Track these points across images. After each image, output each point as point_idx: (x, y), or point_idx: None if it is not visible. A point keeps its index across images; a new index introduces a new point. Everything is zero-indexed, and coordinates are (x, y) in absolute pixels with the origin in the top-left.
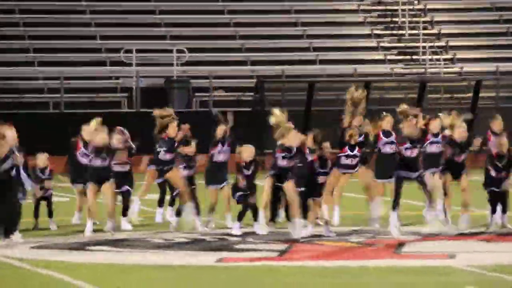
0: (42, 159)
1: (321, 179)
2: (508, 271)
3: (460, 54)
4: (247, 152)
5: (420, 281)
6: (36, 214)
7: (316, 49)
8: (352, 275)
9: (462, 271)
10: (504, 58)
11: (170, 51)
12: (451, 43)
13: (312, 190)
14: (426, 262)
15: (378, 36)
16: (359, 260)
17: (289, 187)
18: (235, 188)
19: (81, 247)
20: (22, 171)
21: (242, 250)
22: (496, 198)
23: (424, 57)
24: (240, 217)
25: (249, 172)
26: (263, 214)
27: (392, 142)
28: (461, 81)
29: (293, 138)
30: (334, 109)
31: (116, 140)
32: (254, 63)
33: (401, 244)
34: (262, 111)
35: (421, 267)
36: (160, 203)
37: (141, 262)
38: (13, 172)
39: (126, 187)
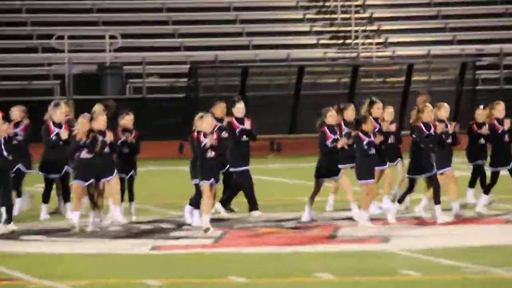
0: None
1: None
2: (440, 254)
3: (392, 38)
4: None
5: (354, 266)
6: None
7: (249, 34)
8: (287, 260)
9: (396, 255)
10: (436, 41)
11: (103, 37)
12: (383, 27)
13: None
14: (360, 246)
15: (311, 20)
16: (294, 246)
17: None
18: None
19: (16, 237)
20: None
21: (177, 237)
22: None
23: (356, 41)
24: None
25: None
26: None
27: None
28: (393, 65)
29: (206, 125)
30: (268, 94)
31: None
32: (187, 48)
33: (336, 229)
34: (196, 96)
35: (356, 252)
36: None
37: (75, 251)
38: None
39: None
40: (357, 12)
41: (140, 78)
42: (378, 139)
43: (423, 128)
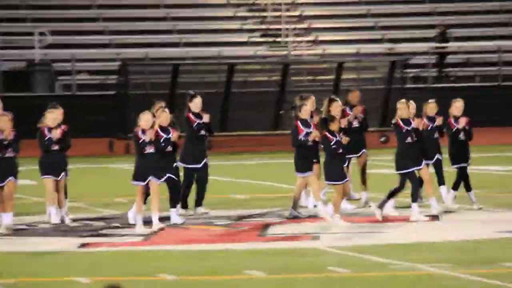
0: None
1: None
2: (369, 251)
3: (323, 36)
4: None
5: (284, 263)
6: None
7: (180, 31)
8: (217, 258)
9: (325, 252)
10: (365, 40)
11: (32, 33)
12: (313, 25)
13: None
14: (290, 244)
15: (241, 18)
16: (225, 243)
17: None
18: None
19: None
20: None
21: (106, 235)
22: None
23: (287, 39)
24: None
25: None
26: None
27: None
28: (323, 63)
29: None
30: (199, 92)
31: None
32: (117, 45)
33: (266, 227)
34: (126, 94)
35: (285, 249)
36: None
37: (3, 248)
38: None
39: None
40: (287, 10)
41: (70, 75)
42: (345, 140)
43: (401, 124)
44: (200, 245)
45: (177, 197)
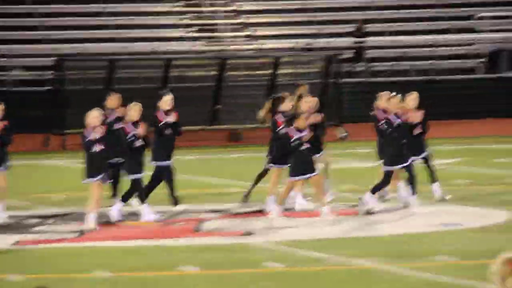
0: None
1: None
2: (303, 246)
3: (260, 31)
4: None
5: (219, 259)
6: None
7: (116, 26)
8: (151, 254)
9: (260, 247)
10: (302, 34)
11: None
12: (250, 20)
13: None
14: (224, 239)
15: (178, 13)
16: (159, 239)
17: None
18: None
19: None
20: None
21: (41, 232)
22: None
23: (224, 34)
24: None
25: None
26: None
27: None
28: (260, 58)
29: (91, 119)
30: (136, 87)
31: None
32: (53, 41)
33: (201, 222)
34: (62, 89)
35: (220, 245)
36: None
37: None
38: None
39: None
40: (224, 5)
41: (5, 71)
42: (307, 136)
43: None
44: (135, 241)
45: (144, 192)
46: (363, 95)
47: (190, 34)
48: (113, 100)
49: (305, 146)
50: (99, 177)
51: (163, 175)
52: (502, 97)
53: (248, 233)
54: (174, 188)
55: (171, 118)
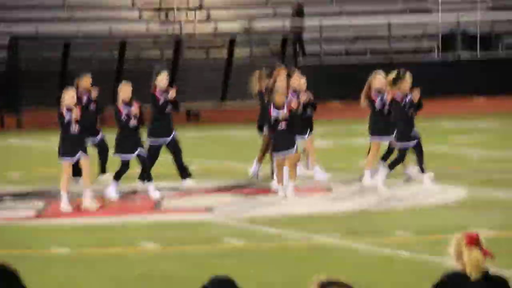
0: None
1: None
2: (263, 222)
3: (215, 12)
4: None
5: (179, 235)
6: None
7: (70, 7)
8: (112, 231)
9: (220, 224)
10: (257, 15)
11: None
12: (205, 2)
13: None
14: (185, 216)
15: None
16: (119, 216)
17: None
18: None
19: None
20: None
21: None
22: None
23: (179, 15)
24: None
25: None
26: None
27: None
28: (215, 39)
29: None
30: (91, 68)
31: None
32: (6, 20)
33: (161, 199)
34: (17, 70)
35: (181, 222)
36: None
37: None
38: None
39: None
40: None
41: None
42: (283, 116)
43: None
44: (95, 218)
45: (149, 171)
46: (318, 76)
47: (146, 16)
48: (85, 81)
49: (282, 126)
50: (75, 157)
51: (158, 153)
52: (458, 77)
53: (209, 210)
54: (181, 160)
55: (171, 94)
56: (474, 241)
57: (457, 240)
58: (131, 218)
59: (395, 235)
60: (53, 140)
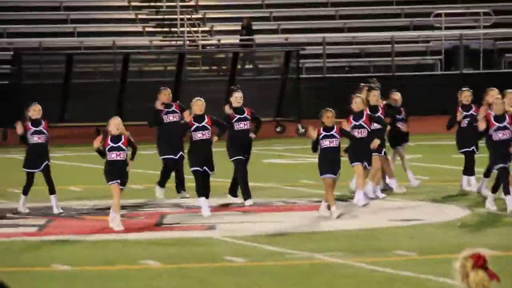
0: None
1: None
2: (264, 241)
3: (217, 27)
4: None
5: (180, 253)
6: None
7: (73, 21)
8: (113, 248)
9: (221, 241)
10: (260, 30)
11: None
12: (208, 15)
13: None
14: (186, 233)
15: (136, 8)
16: (120, 233)
17: None
18: None
19: None
20: None
21: (1, 226)
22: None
23: (182, 29)
24: None
25: None
26: None
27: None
28: (218, 53)
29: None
30: (94, 82)
31: None
32: (10, 35)
33: (162, 216)
34: (20, 84)
35: (181, 239)
36: None
37: None
38: None
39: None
40: (182, 0)
41: None
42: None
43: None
44: (96, 235)
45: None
46: (321, 91)
47: (149, 29)
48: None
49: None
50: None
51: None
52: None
53: (210, 227)
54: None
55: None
56: (481, 263)
57: (463, 261)
58: (132, 236)
59: (396, 253)
60: (56, 156)
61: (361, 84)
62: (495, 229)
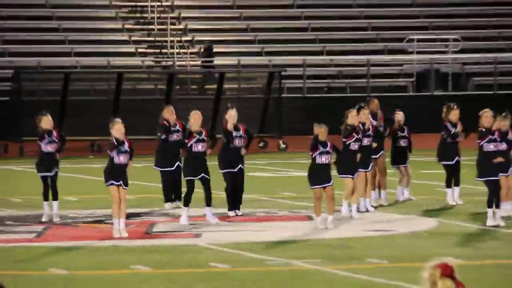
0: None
1: None
2: (245, 248)
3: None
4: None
5: (168, 259)
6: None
7: (71, 42)
8: (106, 254)
9: (206, 249)
10: (246, 52)
11: None
12: (197, 38)
13: None
14: (174, 241)
15: (129, 30)
16: (112, 240)
17: None
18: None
19: None
20: None
21: (0, 232)
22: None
23: (172, 50)
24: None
25: None
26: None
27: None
28: (206, 73)
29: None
30: (89, 99)
31: None
32: (12, 54)
33: (152, 225)
34: (19, 100)
35: (170, 246)
36: None
37: None
38: None
39: None
40: (172, 24)
41: None
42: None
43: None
44: (90, 241)
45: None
46: (301, 110)
47: (140, 50)
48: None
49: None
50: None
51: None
52: (430, 114)
53: (196, 235)
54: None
55: (242, 131)
56: (448, 272)
57: (431, 270)
58: (124, 242)
59: (369, 261)
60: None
61: (368, 97)
62: (460, 240)
